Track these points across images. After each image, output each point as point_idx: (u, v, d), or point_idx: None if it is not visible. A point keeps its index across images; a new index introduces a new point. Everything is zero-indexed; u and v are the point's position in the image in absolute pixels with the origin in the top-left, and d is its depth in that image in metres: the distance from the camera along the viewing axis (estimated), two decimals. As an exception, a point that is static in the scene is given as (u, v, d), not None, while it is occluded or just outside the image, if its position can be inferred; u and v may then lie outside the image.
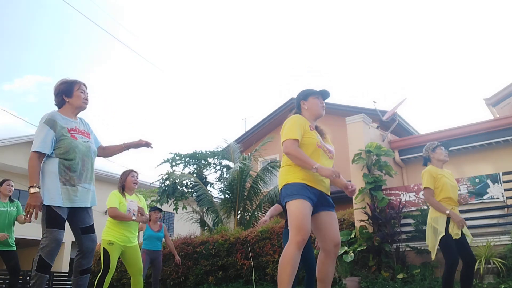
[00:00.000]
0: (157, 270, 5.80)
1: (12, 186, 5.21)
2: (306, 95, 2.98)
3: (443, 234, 3.77)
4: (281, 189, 2.78)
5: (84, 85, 3.08)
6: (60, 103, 3.01)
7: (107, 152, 3.34)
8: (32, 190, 2.64)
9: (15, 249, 5.06)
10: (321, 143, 2.81)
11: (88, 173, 2.96)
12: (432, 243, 3.87)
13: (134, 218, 4.26)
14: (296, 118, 2.85)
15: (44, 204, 2.71)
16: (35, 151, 2.75)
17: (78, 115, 3.10)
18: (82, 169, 2.90)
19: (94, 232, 2.97)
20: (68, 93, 2.99)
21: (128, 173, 4.43)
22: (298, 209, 2.59)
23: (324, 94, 2.98)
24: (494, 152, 7.47)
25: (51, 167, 2.80)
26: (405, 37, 76.45)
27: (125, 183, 4.37)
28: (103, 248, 4.08)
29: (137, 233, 4.48)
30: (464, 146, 7.55)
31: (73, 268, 2.96)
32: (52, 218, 2.70)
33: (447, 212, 3.79)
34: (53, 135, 2.81)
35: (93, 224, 2.98)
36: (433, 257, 3.94)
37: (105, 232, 4.19)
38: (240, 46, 75.09)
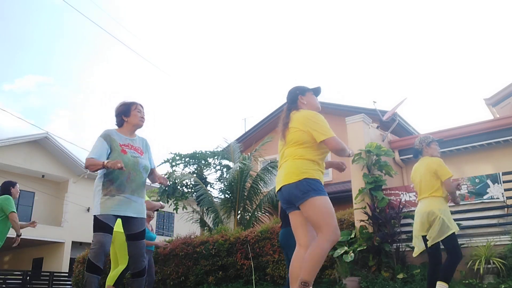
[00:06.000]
0: (151, 268, 5.71)
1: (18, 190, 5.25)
2: (303, 90, 3.01)
3: (453, 231, 3.83)
4: (301, 181, 2.58)
5: (141, 105, 3.41)
6: (120, 122, 3.37)
7: (154, 177, 3.47)
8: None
9: None
10: None
11: (133, 184, 3.18)
12: (435, 234, 3.85)
13: None
14: (320, 115, 2.81)
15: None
16: (90, 157, 3.09)
17: (143, 137, 3.47)
18: (126, 181, 3.15)
19: (140, 239, 3.18)
20: (126, 113, 3.33)
21: None
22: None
23: (318, 91, 3.07)
24: (494, 152, 7.47)
25: (98, 185, 3.16)
26: (406, 37, 76.45)
27: None
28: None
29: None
30: (464, 146, 7.54)
31: None
32: (96, 225, 3.04)
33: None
34: (107, 147, 3.17)
35: (139, 232, 3.18)
36: (415, 254, 4.07)
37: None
38: (240, 46, 75.11)
